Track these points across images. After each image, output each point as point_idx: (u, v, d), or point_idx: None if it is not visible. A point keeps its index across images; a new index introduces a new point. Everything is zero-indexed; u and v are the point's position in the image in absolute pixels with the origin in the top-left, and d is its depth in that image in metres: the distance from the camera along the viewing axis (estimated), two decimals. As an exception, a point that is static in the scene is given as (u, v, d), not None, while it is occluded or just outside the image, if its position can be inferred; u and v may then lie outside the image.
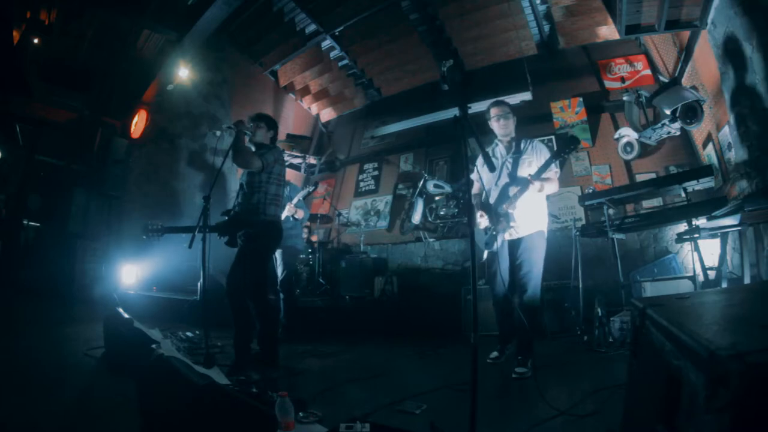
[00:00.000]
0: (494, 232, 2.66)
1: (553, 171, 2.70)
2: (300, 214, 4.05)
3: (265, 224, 2.81)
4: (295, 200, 3.98)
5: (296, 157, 8.03)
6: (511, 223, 2.63)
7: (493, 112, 2.83)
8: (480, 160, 2.80)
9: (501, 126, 2.81)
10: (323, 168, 8.31)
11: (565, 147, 2.61)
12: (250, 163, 2.77)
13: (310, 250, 6.13)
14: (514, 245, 2.73)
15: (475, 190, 2.89)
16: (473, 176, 2.91)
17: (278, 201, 2.92)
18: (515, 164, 2.77)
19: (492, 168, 2.55)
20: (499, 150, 2.91)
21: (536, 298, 2.69)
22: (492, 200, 2.76)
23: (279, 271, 3.96)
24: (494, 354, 2.86)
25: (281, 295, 3.97)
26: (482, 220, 2.72)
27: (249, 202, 2.81)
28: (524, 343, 2.66)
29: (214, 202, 2.71)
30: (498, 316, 2.95)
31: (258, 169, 2.79)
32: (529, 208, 2.70)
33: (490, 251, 2.75)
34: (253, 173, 2.84)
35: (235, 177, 6.77)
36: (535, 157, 2.76)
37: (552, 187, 2.72)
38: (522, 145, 2.82)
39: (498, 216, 2.66)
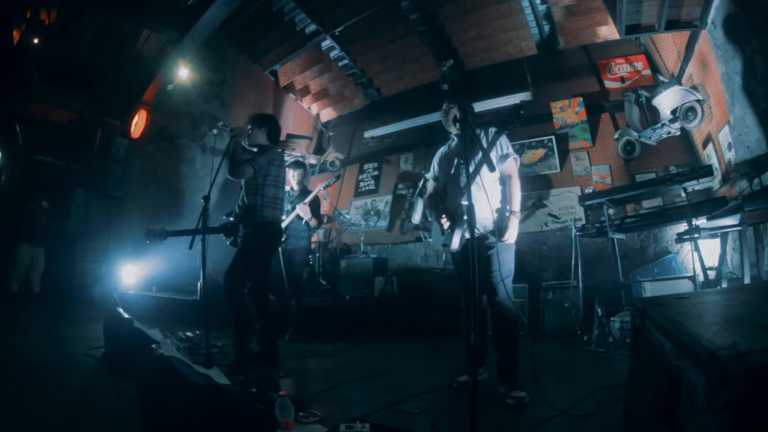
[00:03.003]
0: (449, 230, 2.37)
1: (511, 158, 2.44)
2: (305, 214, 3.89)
3: (261, 225, 2.83)
4: (308, 199, 3.91)
5: (296, 157, 8.04)
6: (465, 217, 2.21)
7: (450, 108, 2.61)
8: (436, 158, 2.71)
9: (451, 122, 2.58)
10: (323, 168, 8.31)
11: (509, 117, 2.44)
12: (242, 173, 2.78)
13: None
14: (471, 245, 2.24)
15: (430, 189, 2.73)
16: (428, 175, 2.78)
17: (276, 203, 2.91)
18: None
19: (448, 164, 2.47)
20: (455, 145, 2.68)
21: (508, 304, 2.29)
22: (449, 196, 2.54)
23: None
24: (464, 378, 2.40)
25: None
26: (444, 221, 2.42)
27: (246, 204, 2.85)
28: (507, 359, 2.27)
29: (216, 203, 2.71)
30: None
31: (251, 175, 2.81)
32: (486, 202, 2.29)
33: (448, 252, 2.47)
34: None
35: (235, 177, 6.77)
36: (492, 145, 2.48)
37: (511, 175, 2.43)
38: (480, 136, 2.53)
39: (454, 211, 2.40)
